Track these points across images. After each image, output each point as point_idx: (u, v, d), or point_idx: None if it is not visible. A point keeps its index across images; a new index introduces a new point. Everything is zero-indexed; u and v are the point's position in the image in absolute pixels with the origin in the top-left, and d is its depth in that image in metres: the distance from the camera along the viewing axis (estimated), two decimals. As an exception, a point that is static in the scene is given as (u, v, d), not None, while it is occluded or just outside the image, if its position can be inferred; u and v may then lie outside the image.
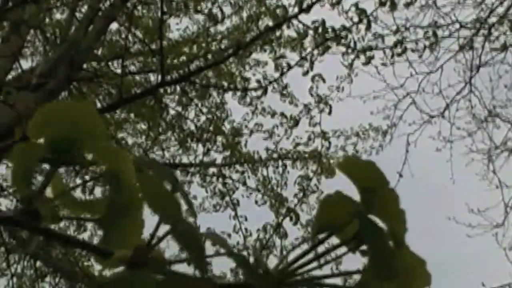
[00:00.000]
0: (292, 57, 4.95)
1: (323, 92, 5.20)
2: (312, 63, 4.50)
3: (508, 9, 6.15)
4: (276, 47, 5.17)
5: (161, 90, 5.28)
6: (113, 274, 0.51)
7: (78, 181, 5.32)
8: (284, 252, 5.43)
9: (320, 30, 4.36)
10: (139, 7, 5.69)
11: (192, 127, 5.69)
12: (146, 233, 0.57)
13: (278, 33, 5.02)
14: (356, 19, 4.41)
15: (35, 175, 0.58)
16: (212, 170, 5.71)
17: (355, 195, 0.52)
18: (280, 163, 5.76)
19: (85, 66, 5.56)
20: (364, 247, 0.55)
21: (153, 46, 5.50)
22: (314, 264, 0.54)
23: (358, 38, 4.72)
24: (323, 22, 4.40)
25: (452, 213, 6.66)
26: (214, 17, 5.33)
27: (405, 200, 0.55)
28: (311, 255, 0.53)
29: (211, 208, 5.86)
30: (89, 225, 6.24)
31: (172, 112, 5.74)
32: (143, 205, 0.57)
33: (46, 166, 0.59)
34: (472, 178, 6.98)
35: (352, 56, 4.63)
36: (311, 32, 4.59)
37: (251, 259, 0.52)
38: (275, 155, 5.76)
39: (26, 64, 5.97)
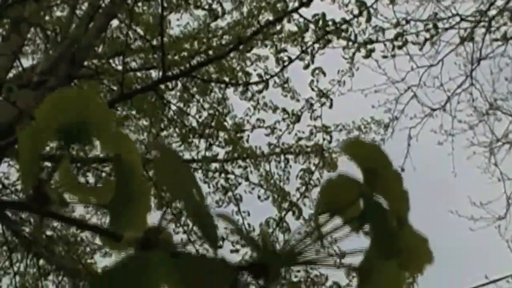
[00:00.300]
0: (293, 52, 4.96)
1: (324, 86, 5.21)
2: (313, 56, 4.50)
3: (508, 1, 6.15)
4: (277, 41, 5.17)
5: (163, 86, 5.28)
6: (126, 255, 0.52)
7: (82, 179, 5.34)
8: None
9: (320, 23, 4.36)
10: (140, 4, 5.70)
11: (194, 123, 5.69)
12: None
13: (278, 27, 5.02)
14: (356, 11, 4.41)
15: (42, 163, 0.59)
16: (214, 165, 5.72)
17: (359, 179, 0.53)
18: (282, 157, 5.76)
19: (86, 63, 5.56)
20: (367, 228, 0.55)
21: (154, 43, 5.50)
22: (318, 244, 0.55)
23: (358, 31, 4.73)
24: (324, 15, 4.40)
25: (454, 207, 6.67)
26: (215, 12, 5.33)
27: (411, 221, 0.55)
28: (315, 236, 0.54)
29: (213, 204, 5.87)
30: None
31: (173, 107, 5.74)
32: (150, 191, 0.58)
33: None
34: (474, 171, 6.98)
35: (353, 50, 4.63)
36: (312, 26, 4.59)
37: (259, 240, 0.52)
38: (277, 150, 5.76)
39: (26, 62, 5.98)
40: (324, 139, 5.45)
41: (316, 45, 4.48)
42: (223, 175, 5.70)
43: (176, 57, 5.34)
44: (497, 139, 6.91)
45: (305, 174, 5.38)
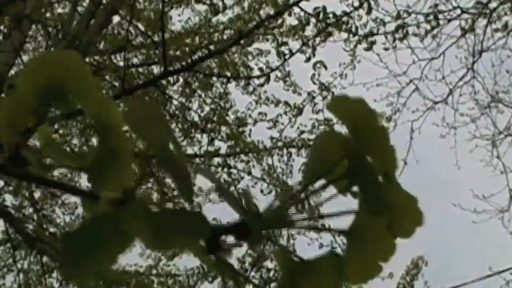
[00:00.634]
0: (295, 46, 4.96)
1: (326, 80, 5.21)
2: (314, 49, 4.49)
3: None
4: (278, 35, 5.16)
5: (164, 82, 5.27)
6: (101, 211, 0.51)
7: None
8: (291, 241, 5.44)
9: (321, 16, 4.35)
10: (140, 0, 5.69)
11: (196, 118, 5.68)
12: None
13: (279, 21, 5.02)
14: (356, 3, 4.41)
15: (23, 128, 0.58)
16: (217, 160, 5.71)
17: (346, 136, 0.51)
18: (285, 151, 5.75)
19: (87, 59, 5.56)
20: (354, 189, 0.54)
21: (155, 38, 5.49)
22: (304, 206, 0.54)
23: (360, 25, 4.72)
24: (324, 8, 4.39)
25: (457, 200, 6.66)
26: (216, 7, 5.33)
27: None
28: (301, 197, 0.53)
29: (217, 199, 5.87)
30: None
31: (175, 102, 5.73)
32: (133, 154, 0.57)
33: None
34: (476, 164, 6.97)
35: (354, 42, 4.62)
36: (312, 19, 4.59)
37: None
38: (279, 144, 5.75)
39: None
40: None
41: (317, 38, 4.47)
42: (225, 169, 5.70)
43: (178, 53, 5.33)
44: (499, 132, 6.90)
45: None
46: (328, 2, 4.71)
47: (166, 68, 4.43)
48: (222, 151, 5.68)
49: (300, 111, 5.45)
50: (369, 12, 4.40)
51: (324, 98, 5.16)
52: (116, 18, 5.87)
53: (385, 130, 0.51)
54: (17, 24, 5.51)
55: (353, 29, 4.47)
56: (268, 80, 4.82)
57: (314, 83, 4.99)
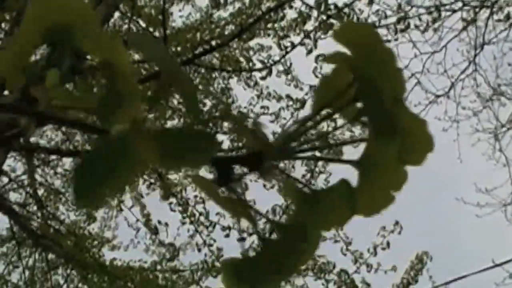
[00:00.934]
0: (296, 41, 4.97)
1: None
2: (315, 41, 4.50)
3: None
4: (279, 30, 5.17)
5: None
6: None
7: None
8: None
9: (322, 7, 4.35)
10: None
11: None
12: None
13: (280, 15, 5.02)
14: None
15: (30, 67, 0.59)
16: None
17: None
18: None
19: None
20: (363, 119, 0.55)
21: (156, 34, 5.50)
22: (314, 135, 0.55)
23: (361, 18, 4.73)
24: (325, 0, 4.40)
25: (460, 193, 6.67)
26: (217, 2, 5.33)
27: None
28: (310, 126, 0.54)
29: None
30: (99, 216, 6.26)
31: (177, 97, 5.74)
32: (139, 93, 0.58)
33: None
34: (479, 158, 6.98)
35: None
36: (314, 12, 4.59)
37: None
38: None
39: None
40: (328, 126, 5.43)
41: (319, 31, 4.48)
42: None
43: (179, 48, 5.34)
44: (501, 125, 6.90)
45: (310, 161, 5.38)
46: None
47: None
48: (225, 146, 5.69)
49: (303, 104, 5.45)
50: (370, 2, 4.40)
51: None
52: (116, 14, 5.88)
53: (392, 54, 0.51)
54: (19, 21, 5.52)
55: (355, 20, 4.47)
56: (270, 73, 4.83)
57: (316, 76, 4.99)
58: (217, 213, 5.71)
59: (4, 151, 4.97)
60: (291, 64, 5.33)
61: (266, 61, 5.10)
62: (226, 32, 5.74)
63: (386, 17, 4.84)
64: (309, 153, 0.55)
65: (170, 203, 5.82)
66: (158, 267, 6.11)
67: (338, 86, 0.53)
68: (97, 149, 0.50)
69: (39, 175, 5.95)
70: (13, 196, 5.94)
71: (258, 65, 5.44)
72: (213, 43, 5.46)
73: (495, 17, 6.17)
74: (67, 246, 5.66)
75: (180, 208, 5.80)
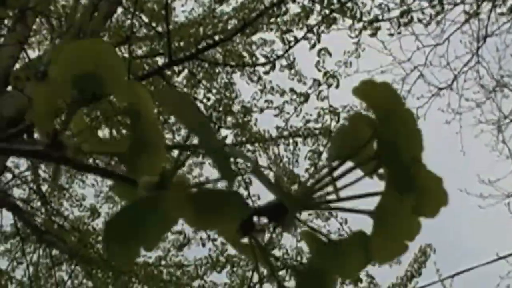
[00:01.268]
0: (299, 35, 4.97)
1: (330, 68, 5.21)
2: (318, 35, 4.50)
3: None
4: (282, 24, 5.17)
5: (169, 72, 5.28)
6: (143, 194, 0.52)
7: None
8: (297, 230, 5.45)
9: (326, 1, 4.35)
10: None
11: (201, 108, 5.69)
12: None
13: (284, 9, 5.02)
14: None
15: (57, 115, 0.60)
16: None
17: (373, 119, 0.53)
18: (291, 140, 5.76)
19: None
20: (381, 171, 0.56)
21: (159, 29, 5.50)
22: (332, 187, 0.55)
23: (364, 11, 4.73)
24: (329, -7, 4.40)
25: (463, 185, 6.67)
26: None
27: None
28: (329, 179, 0.55)
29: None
30: (103, 212, 6.28)
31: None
32: (164, 140, 0.58)
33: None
34: (482, 149, 6.99)
35: (358, 30, 4.62)
36: (317, 7, 4.59)
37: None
38: (285, 133, 5.76)
39: (33, 53, 5.98)
40: (332, 120, 5.44)
41: (322, 25, 4.47)
42: (232, 159, 5.70)
43: (182, 43, 5.34)
44: (504, 116, 6.91)
45: (313, 155, 5.39)
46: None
47: (171, 57, 4.43)
48: (228, 141, 5.69)
49: (306, 98, 5.45)
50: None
51: (330, 86, 5.17)
52: (119, 10, 5.88)
53: (411, 114, 0.52)
54: (22, 17, 5.52)
55: (358, 15, 4.47)
56: (273, 67, 4.83)
57: (319, 70, 5.00)
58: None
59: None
60: (294, 59, 5.33)
61: (269, 55, 5.10)
62: (229, 27, 5.74)
63: (389, 10, 4.85)
64: (328, 204, 0.56)
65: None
66: (163, 262, 6.13)
67: (355, 139, 0.54)
68: (129, 208, 0.51)
69: (43, 171, 5.96)
70: (17, 192, 5.96)
71: (261, 60, 5.45)
72: (216, 38, 5.45)
73: (498, 10, 6.17)
74: (71, 242, 5.67)
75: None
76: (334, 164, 0.56)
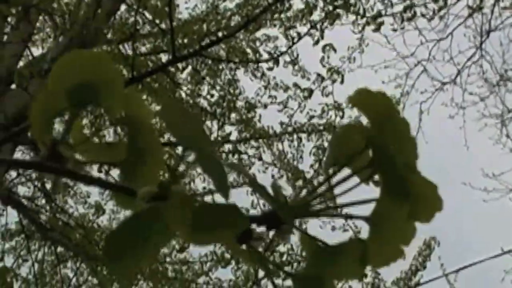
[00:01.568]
0: (302, 32, 4.97)
1: (334, 64, 5.21)
2: (322, 31, 4.50)
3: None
4: (285, 21, 5.17)
5: (173, 69, 5.29)
6: (141, 207, 0.53)
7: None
8: (303, 225, 5.47)
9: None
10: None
11: (205, 105, 5.70)
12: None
13: (287, 5, 5.02)
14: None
15: (55, 125, 0.60)
16: (227, 146, 5.72)
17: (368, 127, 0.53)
18: (295, 136, 5.76)
19: (95, 49, 5.56)
20: (377, 178, 0.56)
21: (163, 26, 5.50)
22: (329, 195, 0.56)
23: (367, 7, 4.73)
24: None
25: (467, 179, 6.67)
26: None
27: (419, 168, 0.56)
28: (325, 187, 0.55)
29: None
30: (107, 209, 6.29)
31: (185, 88, 5.75)
32: (162, 148, 0.59)
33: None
34: (485, 143, 6.98)
35: (362, 25, 4.62)
36: (320, 2, 4.59)
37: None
38: (289, 129, 5.76)
39: (36, 51, 6.00)
40: (336, 115, 5.44)
41: (326, 21, 4.47)
42: (236, 155, 5.71)
43: (186, 40, 5.35)
44: (508, 110, 6.90)
45: (318, 151, 5.39)
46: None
47: (175, 53, 4.44)
48: (233, 137, 5.70)
49: (310, 93, 5.45)
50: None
51: (334, 81, 5.18)
52: (123, 7, 5.89)
53: (406, 122, 0.53)
54: (25, 15, 5.53)
55: (361, 10, 4.47)
56: (277, 63, 4.83)
57: (324, 66, 5.00)
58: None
59: (12, 146, 5.00)
60: (298, 55, 5.33)
61: (273, 51, 5.11)
62: (232, 23, 5.74)
63: (392, 5, 4.85)
64: (325, 211, 0.57)
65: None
66: (168, 259, 6.14)
67: (351, 147, 0.55)
68: (128, 220, 0.52)
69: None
70: (22, 190, 5.97)
71: (265, 56, 5.45)
72: (220, 34, 5.46)
73: (501, 4, 6.17)
74: (76, 239, 5.68)
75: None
76: (331, 171, 0.56)
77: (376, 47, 5.72)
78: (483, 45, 6.57)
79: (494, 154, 6.87)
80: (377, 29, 4.59)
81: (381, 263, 0.59)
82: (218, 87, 5.79)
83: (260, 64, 5.56)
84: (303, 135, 5.77)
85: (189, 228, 0.50)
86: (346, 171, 0.56)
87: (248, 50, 5.66)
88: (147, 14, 5.66)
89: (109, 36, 5.78)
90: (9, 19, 5.60)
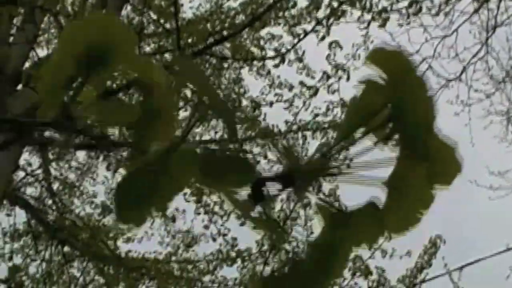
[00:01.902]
0: (308, 28, 4.97)
1: (339, 61, 5.20)
2: (328, 28, 4.49)
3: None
4: (290, 19, 5.17)
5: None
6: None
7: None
8: (309, 223, 5.46)
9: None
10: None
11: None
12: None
13: (292, 2, 5.02)
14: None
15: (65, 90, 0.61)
16: (233, 145, 5.71)
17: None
18: (300, 134, 5.76)
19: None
20: (393, 138, 0.56)
21: (167, 26, 5.51)
22: (344, 157, 0.56)
23: (374, 2, 4.73)
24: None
25: (472, 176, 6.66)
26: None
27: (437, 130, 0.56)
28: (341, 149, 0.55)
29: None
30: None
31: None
32: (176, 109, 0.59)
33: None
34: (491, 141, 6.97)
35: (367, 20, 4.62)
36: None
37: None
38: (294, 127, 5.76)
39: (41, 53, 6.00)
40: (342, 112, 5.44)
41: (331, 18, 4.47)
42: (241, 154, 5.69)
43: (190, 39, 5.35)
44: (514, 107, 6.88)
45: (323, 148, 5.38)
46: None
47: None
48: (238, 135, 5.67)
49: (315, 91, 5.45)
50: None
51: (339, 78, 5.18)
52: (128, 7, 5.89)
53: (423, 81, 0.52)
54: (31, 15, 5.53)
55: (367, 5, 4.47)
56: (283, 60, 4.83)
57: (330, 63, 5.00)
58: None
59: (19, 146, 5.00)
60: (304, 51, 5.32)
61: (278, 49, 5.11)
62: (237, 22, 5.74)
63: (397, 1, 4.85)
64: (340, 173, 0.56)
65: (185, 194, 5.85)
66: (173, 258, 6.15)
67: (368, 108, 0.54)
68: (139, 168, 0.52)
69: (54, 168, 5.98)
70: (29, 190, 5.98)
71: (269, 54, 5.45)
72: (224, 33, 5.46)
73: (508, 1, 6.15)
74: (83, 239, 5.69)
75: (194, 198, 5.83)
76: (347, 133, 0.56)
77: (381, 44, 5.69)
78: (488, 40, 6.55)
79: (500, 151, 6.85)
80: (383, 25, 4.59)
81: (398, 229, 0.58)
82: (223, 86, 5.78)
83: (265, 62, 5.56)
84: (308, 133, 5.77)
85: (199, 175, 0.50)
86: (363, 131, 0.56)
87: (253, 49, 5.66)
88: (151, 14, 5.66)
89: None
90: (15, 20, 5.61)
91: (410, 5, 4.60)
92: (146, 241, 6.41)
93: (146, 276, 5.83)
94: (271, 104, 5.69)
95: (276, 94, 5.68)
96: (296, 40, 4.80)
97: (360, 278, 5.86)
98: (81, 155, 6.15)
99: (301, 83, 5.53)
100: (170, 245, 6.29)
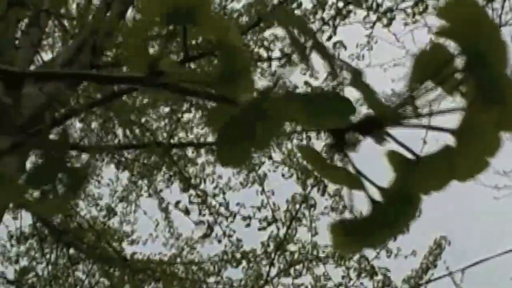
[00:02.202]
0: (314, 28, 4.98)
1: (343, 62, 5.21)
2: (335, 27, 4.52)
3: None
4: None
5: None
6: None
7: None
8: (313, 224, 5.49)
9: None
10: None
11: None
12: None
13: (298, 1, 5.05)
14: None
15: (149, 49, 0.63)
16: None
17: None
18: (304, 135, 5.78)
19: (107, 52, 5.58)
20: (463, 88, 0.58)
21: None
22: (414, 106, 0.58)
23: (380, 1, 4.75)
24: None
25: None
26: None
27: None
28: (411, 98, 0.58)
29: (238, 186, 5.93)
30: (118, 211, 6.29)
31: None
32: (253, 69, 0.62)
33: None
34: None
35: (373, 20, 4.65)
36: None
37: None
38: (298, 128, 5.77)
39: (46, 57, 6.02)
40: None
41: (337, 18, 4.50)
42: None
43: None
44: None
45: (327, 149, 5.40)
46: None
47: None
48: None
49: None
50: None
51: (343, 79, 5.20)
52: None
53: (497, 27, 0.55)
54: (36, 19, 5.55)
55: (374, 5, 4.50)
56: (289, 61, 4.86)
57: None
58: (237, 203, 5.76)
59: (26, 150, 5.00)
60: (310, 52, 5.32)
61: (284, 50, 5.13)
62: (241, 23, 5.76)
63: (403, 0, 4.87)
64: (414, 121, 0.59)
65: (190, 195, 5.87)
66: (178, 259, 6.16)
67: (436, 60, 0.57)
68: (235, 116, 0.54)
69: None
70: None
71: (274, 55, 5.47)
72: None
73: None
74: (88, 241, 5.70)
75: (199, 200, 5.85)
76: (417, 83, 0.58)
77: (385, 45, 5.74)
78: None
79: (505, 150, 6.87)
80: (388, 24, 4.62)
81: (467, 175, 0.60)
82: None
83: (268, 64, 5.58)
84: (312, 134, 5.79)
85: (301, 112, 0.53)
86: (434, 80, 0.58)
87: (256, 50, 5.68)
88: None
89: (119, 39, 5.80)
90: (20, 24, 5.62)
91: (415, 4, 4.63)
92: (150, 243, 6.44)
93: (151, 278, 5.85)
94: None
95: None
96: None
97: (365, 279, 5.89)
98: (85, 158, 6.17)
99: (306, 83, 5.55)
100: (174, 247, 6.32)
